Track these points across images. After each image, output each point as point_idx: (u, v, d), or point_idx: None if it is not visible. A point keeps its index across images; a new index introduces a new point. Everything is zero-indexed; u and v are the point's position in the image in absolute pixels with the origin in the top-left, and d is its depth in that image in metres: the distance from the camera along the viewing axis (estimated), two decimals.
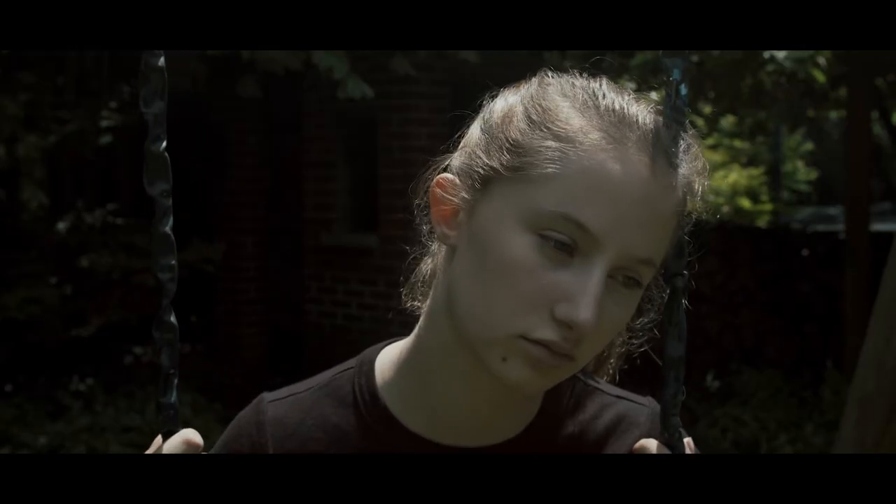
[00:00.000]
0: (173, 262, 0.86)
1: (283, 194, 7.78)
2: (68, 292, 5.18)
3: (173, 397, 0.86)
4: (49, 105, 5.22)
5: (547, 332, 0.78)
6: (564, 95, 0.84)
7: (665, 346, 0.87)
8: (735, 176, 10.31)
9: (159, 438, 0.85)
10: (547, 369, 0.80)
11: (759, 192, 10.73)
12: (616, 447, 0.92)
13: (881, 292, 1.73)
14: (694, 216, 0.86)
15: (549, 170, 0.79)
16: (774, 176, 11.59)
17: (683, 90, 0.84)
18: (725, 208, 9.80)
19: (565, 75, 0.88)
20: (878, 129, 8.53)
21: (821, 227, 8.53)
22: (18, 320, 5.10)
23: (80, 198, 6.15)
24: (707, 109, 7.93)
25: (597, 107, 0.82)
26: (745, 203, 10.18)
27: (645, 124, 0.81)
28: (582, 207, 0.77)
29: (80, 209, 5.92)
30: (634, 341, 0.95)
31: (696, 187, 0.84)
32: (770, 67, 4.48)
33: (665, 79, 0.85)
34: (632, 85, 5.86)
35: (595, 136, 0.79)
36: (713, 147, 10.39)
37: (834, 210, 11.43)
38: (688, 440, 0.90)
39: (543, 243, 0.78)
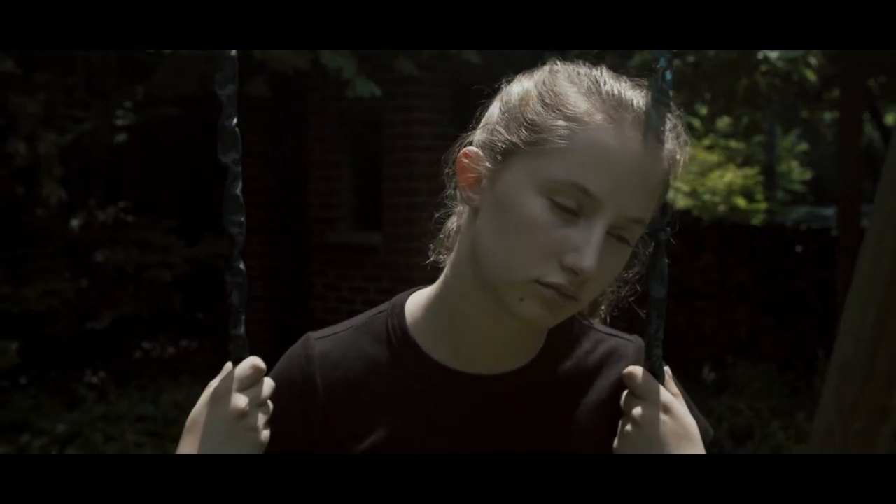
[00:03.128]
0: (242, 218, 1.02)
1: (288, 194, 7.83)
2: (84, 286, 5.29)
3: (242, 330, 1.02)
4: (63, 104, 5.33)
5: (557, 277, 0.92)
6: (572, 82, 0.96)
7: (650, 289, 1.02)
8: (731, 175, 10.41)
9: (229, 364, 1.01)
10: (556, 308, 0.94)
11: (755, 192, 10.82)
12: (608, 375, 1.06)
13: (857, 268, 1.88)
14: (674, 180, 0.99)
15: (560, 144, 0.92)
16: (769, 176, 11.68)
17: (668, 76, 0.97)
18: (721, 207, 9.90)
19: (571, 64, 1.00)
20: (869, 130, 8.67)
21: (815, 226, 8.66)
22: (37, 312, 5.22)
23: (90, 196, 6.27)
24: (703, 110, 8.03)
25: (599, 92, 0.94)
26: (741, 202, 10.27)
27: (639, 107, 0.94)
28: (587, 176, 0.91)
29: (93, 207, 6.03)
30: (622, 291, 1.08)
31: (679, 159, 0.97)
32: (763, 68, 4.63)
33: (653, 66, 0.98)
34: None
35: (598, 117, 0.92)
36: (710, 147, 10.48)
37: (829, 211, 11.54)
38: (667, 368, 1.02)
39: (554, 206, 0.92)
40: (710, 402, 5.51)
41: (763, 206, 10.60)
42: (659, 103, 0.95)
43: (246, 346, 1.02)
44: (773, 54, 4.24)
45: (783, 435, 4.87)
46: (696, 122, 9.15)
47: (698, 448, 0.98)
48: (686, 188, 9.58)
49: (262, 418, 0.99)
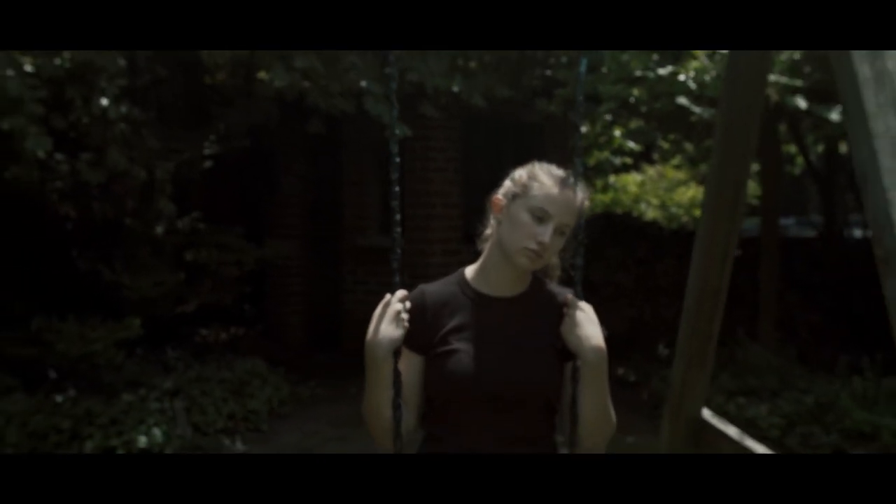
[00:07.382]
0: (398, 203, 2.12)
1: (324, 207, 9.11)
2: (182, 278, 6.74)
3: (398, 278, 1.97)
4: (154, 137, 6.70)
5: (534, 246, 1.91)
6: (541, 170, 1.99)
7: (574, 260, 2.04)
8: (693, 192, 11.64)
9: (388, 294, 1.93)
10: (534, 260, 1.94)
11: None
12: (558, 302, 2.00)
13: (694, 248, 3.32)
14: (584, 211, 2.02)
15: (536, 193, 1.93)
16: None
17: (580, 162, 2.02)
18: (685, 218, 11.15)
19: (538, 163, 2.01)
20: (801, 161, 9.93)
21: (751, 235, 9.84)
22: (144, 298, 6.66)
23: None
24: (671, 135, 9.26)
25: (552, 174, 1.96)
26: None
27: (569, 178, 1.97)
28: (546, 205, 1.91)
29: (171, 217, 7.42)
30: (564, 262, 2.10)
31: (585, 200, 2.00)
32: (693, 118, 6.15)
33: (573, 158, 2.06)
34: (607, 116, 7.22)
35: (549, 182, 1.94)
36: (677, 167, 11.79)
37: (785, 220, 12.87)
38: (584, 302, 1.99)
39: (533, 217, 1.92)
40: (663, 372, 6.81)
41: None
42: (577, 175, 1.99)
43: (399, 286, 1.95)
44: (698, 108, 5.79)
45: (711, 391, 6.32)
46: (666, 145, 10.55)
47: (597, 326, 1.92)
48: (656, 202, 10.88)
49: (406, 316, 1.91)
